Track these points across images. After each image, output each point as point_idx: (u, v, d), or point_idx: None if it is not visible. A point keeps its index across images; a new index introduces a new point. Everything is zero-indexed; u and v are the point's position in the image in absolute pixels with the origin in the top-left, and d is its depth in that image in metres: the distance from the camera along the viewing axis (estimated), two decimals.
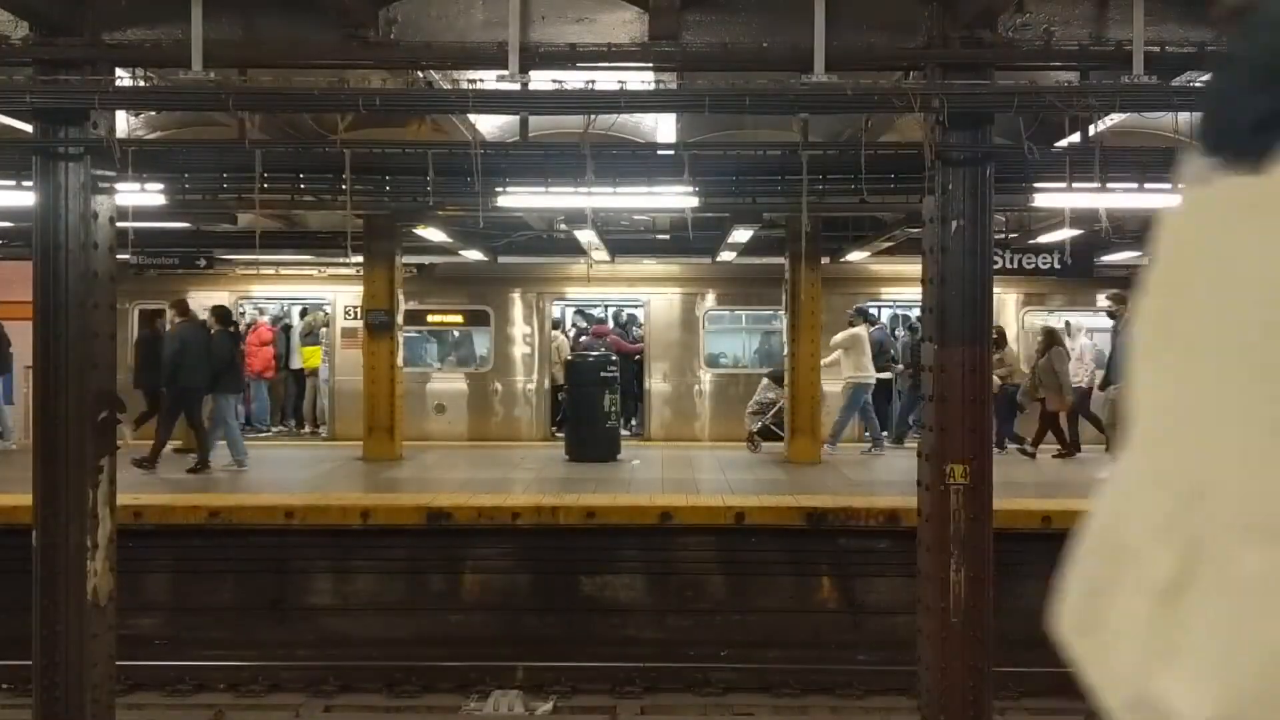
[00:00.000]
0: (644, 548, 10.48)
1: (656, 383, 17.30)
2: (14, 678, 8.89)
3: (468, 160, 6.77)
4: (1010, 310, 16.86)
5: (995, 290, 6.71)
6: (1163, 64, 6.47)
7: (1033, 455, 14.32)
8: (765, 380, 15.66)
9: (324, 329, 17.87)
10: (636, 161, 7.31)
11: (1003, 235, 14.51)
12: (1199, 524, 0.54)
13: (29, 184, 6.78)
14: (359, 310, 15.87)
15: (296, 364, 18.36)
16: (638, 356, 17.51)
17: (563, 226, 14.38)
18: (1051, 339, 14.23)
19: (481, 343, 17.74)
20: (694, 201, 7.94)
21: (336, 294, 17.57)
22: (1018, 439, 14.76)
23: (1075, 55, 6.53)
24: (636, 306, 18.32)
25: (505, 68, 6.42)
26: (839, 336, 15.05)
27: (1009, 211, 13.87)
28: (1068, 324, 14.81)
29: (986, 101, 6.33)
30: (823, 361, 15.02)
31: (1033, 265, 14.89)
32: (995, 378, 13.85)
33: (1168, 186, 6.90)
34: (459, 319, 17.95)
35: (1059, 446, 14.42)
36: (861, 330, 14.94)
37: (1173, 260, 0.60)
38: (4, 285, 14.88)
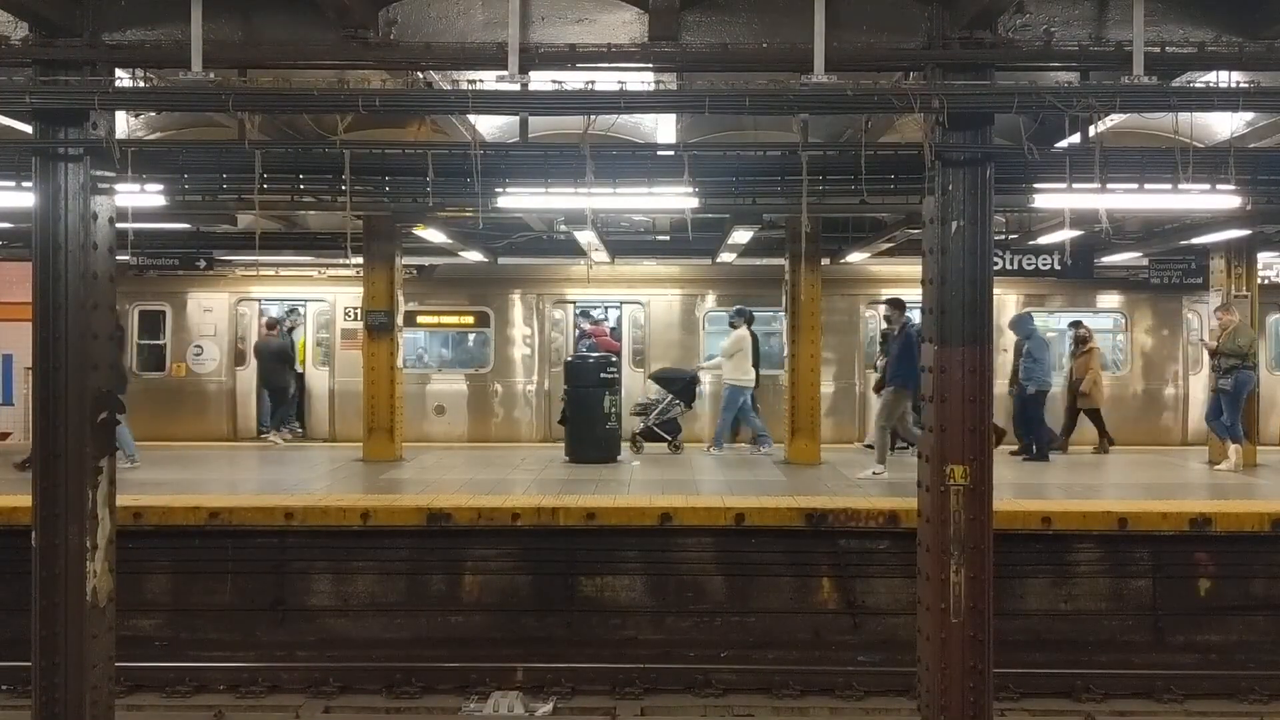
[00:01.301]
0: (644, 549, 10.48)
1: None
2: (13, 679, 8.89)
3: (467, 161, 6.77)
4: (1011, 311, 16.87)
5: (995, 291, 6.71)
6: (1163, 64, 6.46)
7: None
8: (648, 381, 15.68)
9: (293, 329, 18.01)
10: (636, 162, 7.29)
11: (1003, 236, 14.53)
12: None
13: (28, 185, 6.77)
14: (359, 311, 15.87)
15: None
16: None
17: (563, 228, 14.39)
18: None
19: (482, 344, 17.75)
20: (694, 202, 7.92)
21: (336, 295, 17.59)
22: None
23: (1075, 55, 6.53)
24: (629, 306, 18.31)
25: (505, 68, 6.42)
26: (726, 342, 15.16)
27: (1009, 212, 13.90)
28: None
29: (986, 102, 6.33)
30: (706, 365, 15.13)
31: (1033, 266, 14.92)
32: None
33: (1167, 187, 6.89)
34: (458, 320, 17.97)
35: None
36: (744, 332, 15.01)
37: None
38: (4, 286, 14.90)
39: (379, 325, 14.51)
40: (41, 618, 6.60)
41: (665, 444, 15.19)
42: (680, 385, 15.38)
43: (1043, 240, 14.29)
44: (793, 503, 10.64)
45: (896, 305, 13.48)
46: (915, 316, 15.87)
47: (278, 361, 16.77)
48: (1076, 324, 15.86)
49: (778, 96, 6.35)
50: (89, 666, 6.65)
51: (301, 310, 17.97)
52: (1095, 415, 15.50)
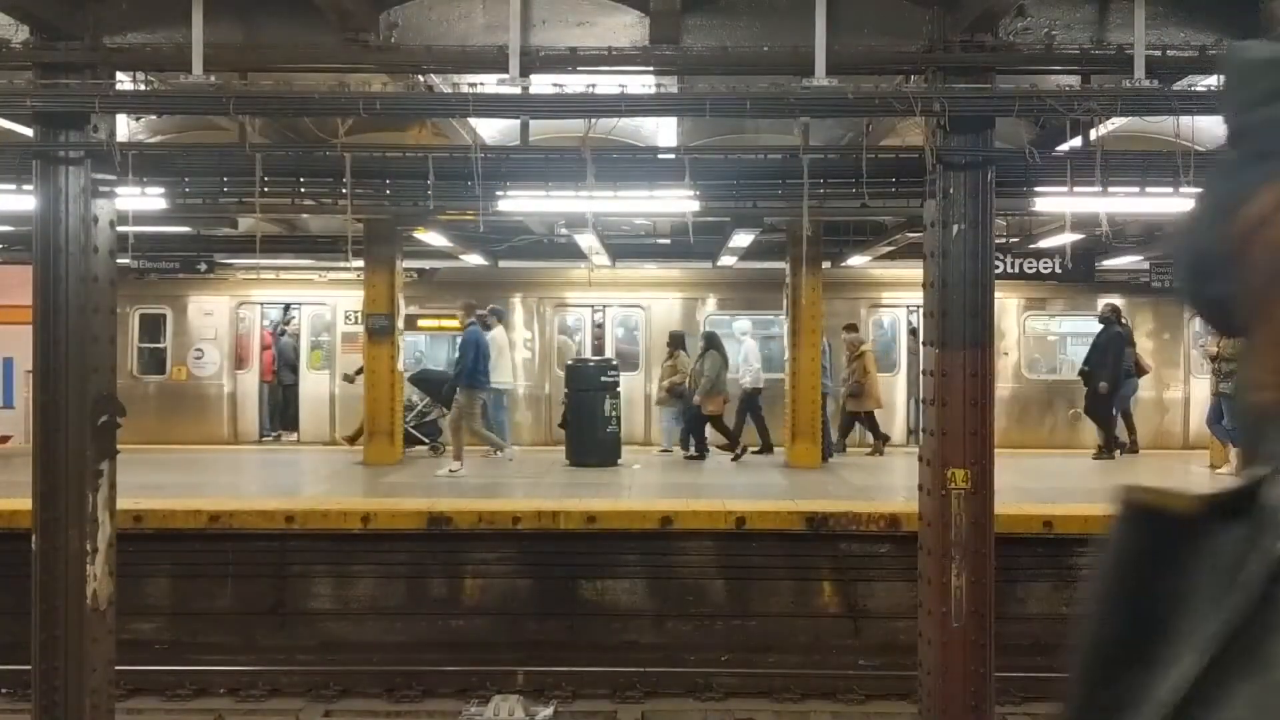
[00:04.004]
0: (645, 552, 10.46)
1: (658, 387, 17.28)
2: (14, 682, 8.88)
3: (468, 164, 6.76)
4: (1012, 315, 16.86)
5: (995, 295, 6.70)
6: (1164, 68, 6.46)
7: (702, 457, 14.77)
8: (407, 383, 15.57)
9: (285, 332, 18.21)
10: (637, 165, 7.29)
11: (1004, 240, 14.51)
12: None
13: (29, 188, 6.77)
14: (359, 315, 15.86)
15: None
16: None
17: (563, 231, 14.39)
18: (710, 343, 14.86)
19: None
20: (695, 205, 7.92)
21: (336, 299, 17.59)
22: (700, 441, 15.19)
23: (1076, 59, 6.53)
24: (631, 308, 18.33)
25: (506, 71, 6.42)
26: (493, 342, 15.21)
27: (1010, 216, 13.88)
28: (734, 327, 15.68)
29: (987, 105, 6.33)
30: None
31: (1034, 270, 14.91)
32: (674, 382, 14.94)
33: (1169, 191, 6.89)
34: (459, 323, 17.92)
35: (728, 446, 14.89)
36: (500, 332, 15.04)
37: None
38: (5, 289, 14.90)
39: (380, 329, 14.50)
40: (41, 621, 6.58)
41: (427, 447, 15.15)
42: (440, 388, 15.27)
43: (1044, 244, 14.28)
44: (793, 506, 10.62)
45: (466, 308, 13.66)
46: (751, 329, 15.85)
47: (294, 363, 17.75)
48: (849, 327, 15.84)
49: (779, 99, 6.35)
50: (89, 670, 6.64)
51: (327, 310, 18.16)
52: (869, 418, 15.64)
